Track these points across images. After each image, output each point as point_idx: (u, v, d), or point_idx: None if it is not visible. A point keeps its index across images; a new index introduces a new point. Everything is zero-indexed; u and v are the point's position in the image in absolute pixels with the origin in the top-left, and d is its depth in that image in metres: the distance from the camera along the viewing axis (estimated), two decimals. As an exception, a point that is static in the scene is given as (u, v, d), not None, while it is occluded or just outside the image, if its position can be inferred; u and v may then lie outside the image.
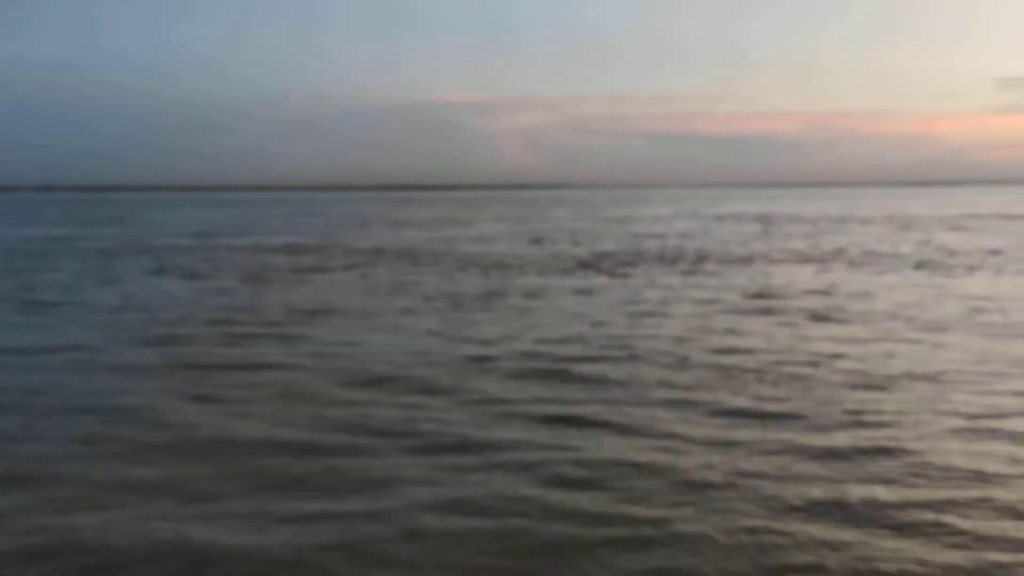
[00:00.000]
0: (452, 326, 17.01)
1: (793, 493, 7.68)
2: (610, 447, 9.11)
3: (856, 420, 9.99)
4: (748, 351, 14.13)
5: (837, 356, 13.61)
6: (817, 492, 7.69)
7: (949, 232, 47.84)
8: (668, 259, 31.90)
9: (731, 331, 16.08)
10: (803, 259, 31.52)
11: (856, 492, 7.69)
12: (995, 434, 9.40)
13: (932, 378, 12.07)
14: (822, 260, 30.98)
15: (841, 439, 9.24)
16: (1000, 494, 7.64)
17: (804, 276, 25.71)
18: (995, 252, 33.55)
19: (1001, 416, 10.07)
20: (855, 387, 11.58)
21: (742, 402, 10.87)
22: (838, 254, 33.49)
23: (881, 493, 7.67)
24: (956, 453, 8.77)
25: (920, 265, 28.72)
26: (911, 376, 12.19)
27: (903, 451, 8.82)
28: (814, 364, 13.05)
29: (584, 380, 12.24)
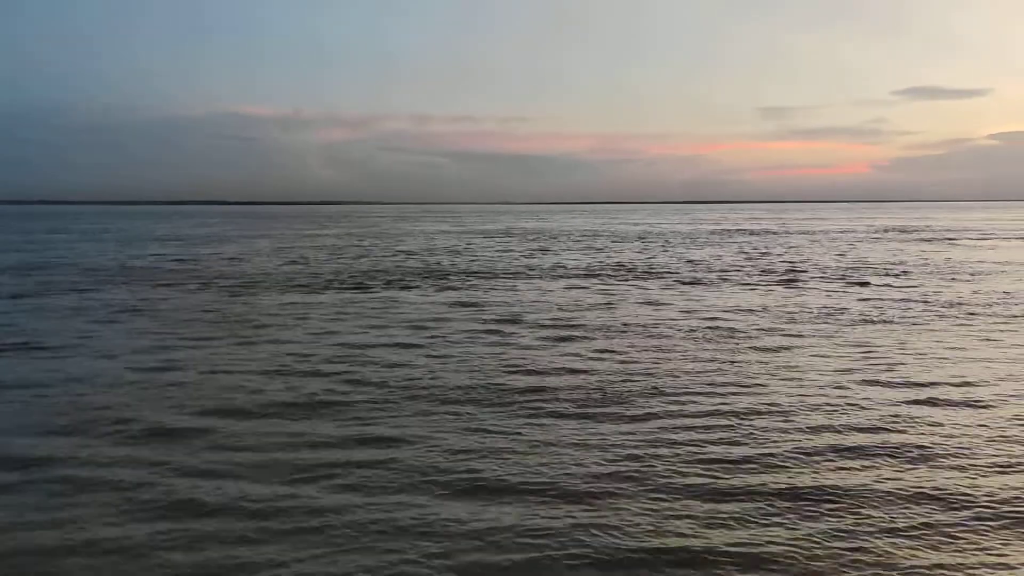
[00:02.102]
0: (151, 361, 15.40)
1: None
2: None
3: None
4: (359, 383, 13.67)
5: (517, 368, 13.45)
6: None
7: (702, 247, 50.91)
8: (426, 274, 31.45)
9: (403, 351, 15.63)
10: (555, 275, 32.09)
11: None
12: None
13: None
14: (574, 275, 31.70)
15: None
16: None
17: (555, 291, 26.00)
18: (735, 266, 35.80)
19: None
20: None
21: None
22: (595, 269, 34.44)
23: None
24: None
25: (668, 279, 30.01)
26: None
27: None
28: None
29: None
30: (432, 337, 17.30)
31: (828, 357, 14.97)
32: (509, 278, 30.65)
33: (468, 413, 11.13)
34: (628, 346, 16.21)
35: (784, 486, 8.35)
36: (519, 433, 10.19)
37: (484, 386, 12.68)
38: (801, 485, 8.35)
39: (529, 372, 13.69)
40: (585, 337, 17.19)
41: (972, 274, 31.29)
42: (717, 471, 8.78)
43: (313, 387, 12.64)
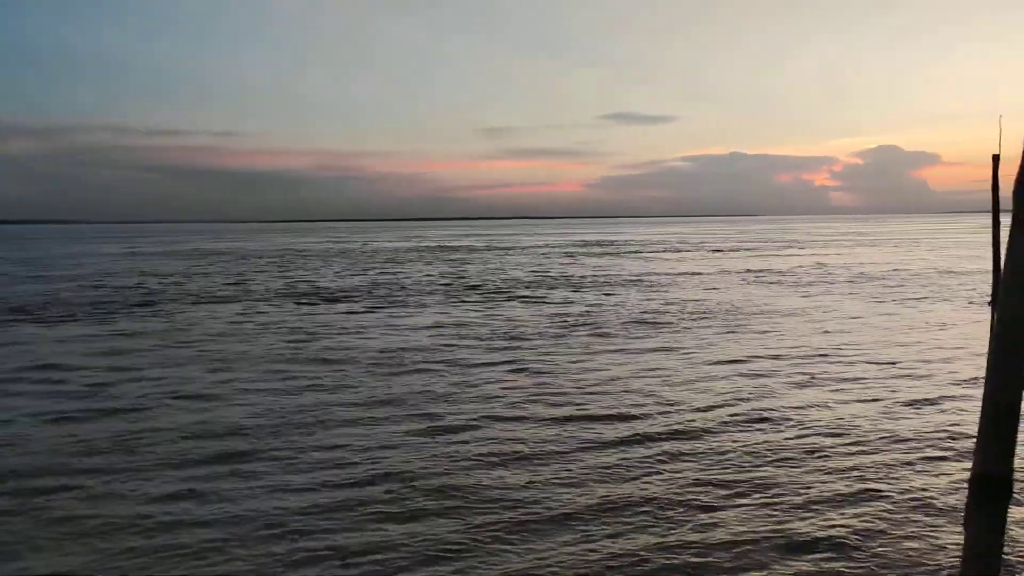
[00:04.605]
0: None
1: None
2: None
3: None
4: None
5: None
6: None
7: (402, 265, 49.85)
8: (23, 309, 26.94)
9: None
10: (217, 299, 29.00)
11: None
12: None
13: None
14: (258, 299, 28.81)
15: None
16: None
17: (221, 314, 23.01)
18: (424, 285, 34.76)
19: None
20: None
21: None
22: (284, 291, 31.73)
23: None
24: None
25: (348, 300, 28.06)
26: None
27: None
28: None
29: None
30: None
31: (503, 378, 14.06)
32: (176, 305, 27.08)
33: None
34: (297, 374, 14.50)
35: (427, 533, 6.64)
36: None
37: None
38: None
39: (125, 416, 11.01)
40: (243, 368, 14.90)
41: (654, 284, 32.58)
42: (351, 511, 6.92)
43: None
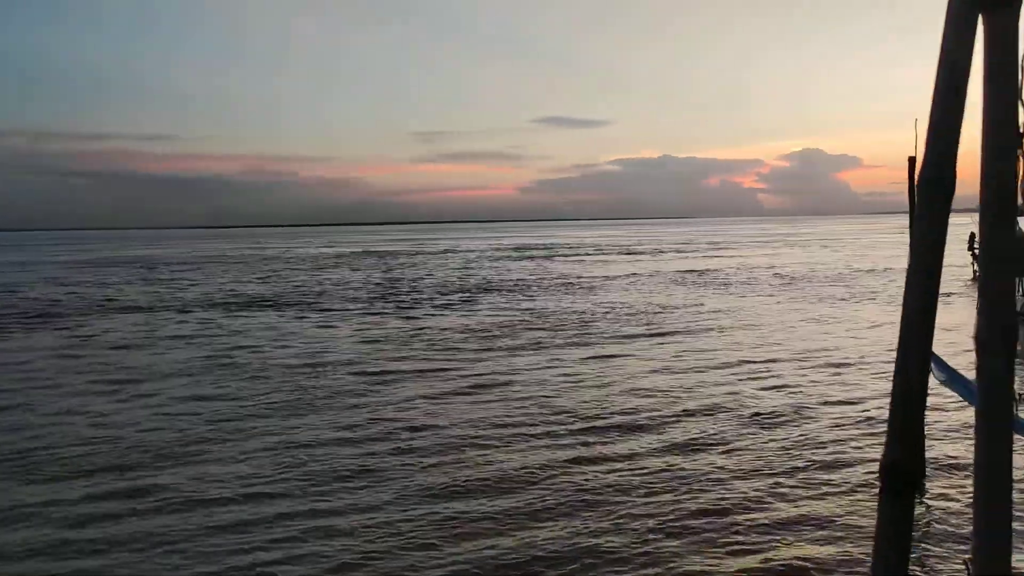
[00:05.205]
0: None
1: None
2: None
3: None
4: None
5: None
6: None
7: (322, 273, 49.05)
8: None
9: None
10: (130, 308, 27.96)
11: None
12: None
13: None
14: (177, 308, 27.83)
15: None
16: None
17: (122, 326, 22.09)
18: (368, 292, 34.19)
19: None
20: None
21: None
22: (193, 301, 30.78)
23: None
24: None
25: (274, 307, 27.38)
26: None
27: None
28: None
29: None
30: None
31: (426, 393, 13.58)
32: (84, 317, 25.92)
33: None
34: (208, 392, 13.95)
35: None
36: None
37: None
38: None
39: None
40: (149, 384, 14.12)
41: (585, 288, 32.61)
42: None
43: None
